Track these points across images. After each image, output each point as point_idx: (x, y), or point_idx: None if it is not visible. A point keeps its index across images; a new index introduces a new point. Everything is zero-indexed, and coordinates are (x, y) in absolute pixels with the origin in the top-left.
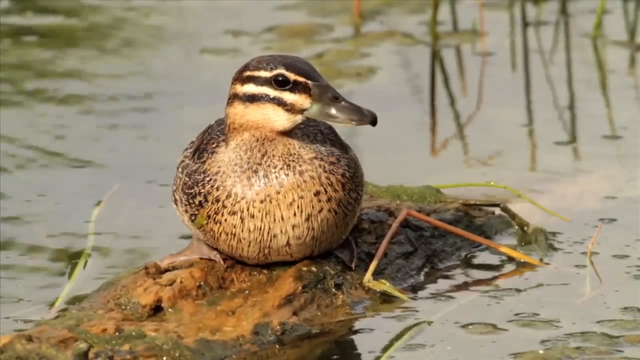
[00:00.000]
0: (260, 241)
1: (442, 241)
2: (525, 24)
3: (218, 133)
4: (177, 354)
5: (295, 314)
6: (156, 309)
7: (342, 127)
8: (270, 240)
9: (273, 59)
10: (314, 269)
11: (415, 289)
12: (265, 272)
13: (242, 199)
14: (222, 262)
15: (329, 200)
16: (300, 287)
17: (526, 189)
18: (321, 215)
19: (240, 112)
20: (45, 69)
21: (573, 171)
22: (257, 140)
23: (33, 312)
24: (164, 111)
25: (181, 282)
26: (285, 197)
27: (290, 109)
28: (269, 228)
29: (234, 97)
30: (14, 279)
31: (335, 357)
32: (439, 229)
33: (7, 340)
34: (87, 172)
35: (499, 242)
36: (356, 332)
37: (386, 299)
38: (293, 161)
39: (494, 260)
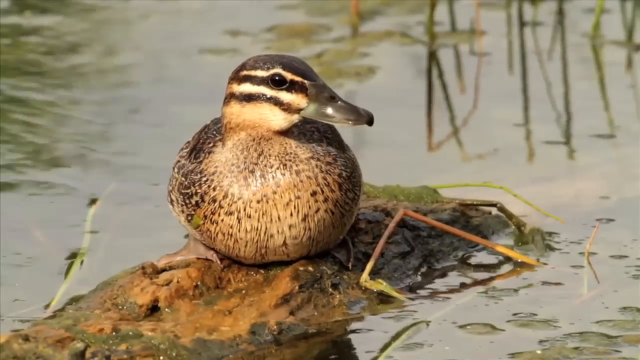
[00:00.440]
0: (257, 241)
1: (439, 241)
2: (523, 24)
3: (214, 132)
4: (174, 354)
5: (292, 313)
6: (153, 309)
7: (340, 127)
8: (267, 240)
9: (270, 59)
10: (310, 268)
11: (412, 288)
12: (262, 271)
13: (239, 199)
14: (218, 262)
15: (325, 200)
16: (297, 287)
17: (523, 189)
18: (318, 216)
19: (237, 112)
20: (45, 69)
21: (570, 171)
22: (254, 139)
23: (30, 312)
24: (164, 110)
25: (178, 282)
26: (282, 197)
27: (287, 108)
28: (266, 228)
29: (230, 97)
30: (11, 279)
31: (332, 357)
32: (435, 229)
33: (3, 340)
34: (83, 171)
35: (496, 242)
36: (353, 332)
37: (383, 298)
38: (290, 160)
39: (491, 260)
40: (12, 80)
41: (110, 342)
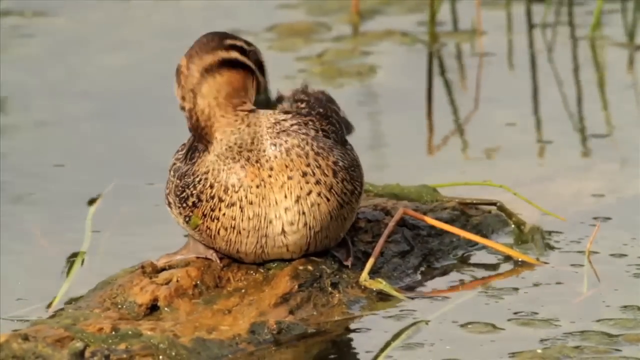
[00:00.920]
0: (258, 229)
1: (439, 240)
2: (525, 24)
3: None
4: (173, 353)
5: (291, 313)
6: (152, 308)
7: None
8: (267, 227)
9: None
10: (310, 267)
11: (411, 288)
12: (262, 271)
13: (240, 187)
14: (218, 261)
15: (317, 183)
16: (296, 286)
17: (523, 188)
18: (310, 199)
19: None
20: (44, 68)
21: (570, 171)
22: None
23: (29, 312)
24: (163, 110)
25: (177, 281)
26: (276, 179)
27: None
28: (265, 213)
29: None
30: (11, 278)
31: (331, 356)
32: (435, 227)
33: (3, 340)
34: (83, 170)
35: (496, 241)
36: (353, 331)
37: (383, 298)
38: (279, 136)
39: (490, 259)
40: (12, 79)
41: (110, 341)
